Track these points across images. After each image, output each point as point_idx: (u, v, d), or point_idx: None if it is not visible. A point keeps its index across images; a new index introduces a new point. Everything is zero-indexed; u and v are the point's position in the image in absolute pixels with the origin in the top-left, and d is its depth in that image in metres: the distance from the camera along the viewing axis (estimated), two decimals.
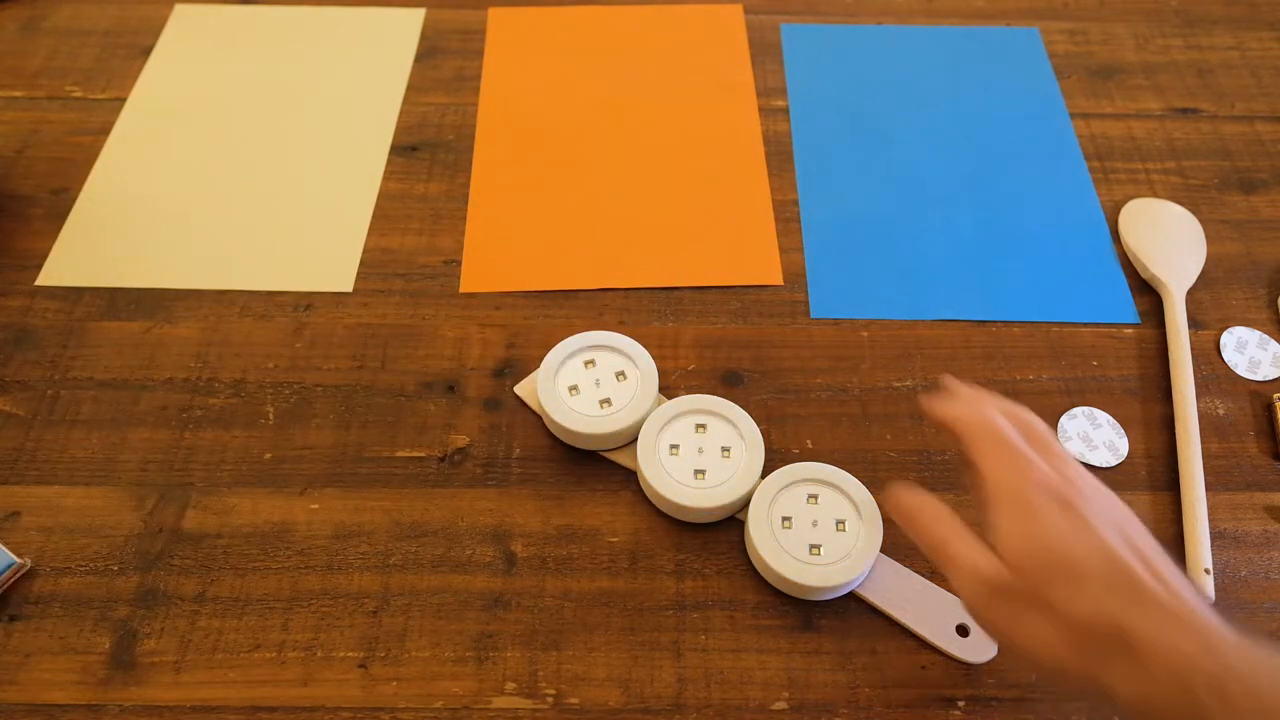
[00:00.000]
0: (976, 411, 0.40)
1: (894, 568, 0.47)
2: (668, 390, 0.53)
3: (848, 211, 0.62)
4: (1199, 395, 0.53)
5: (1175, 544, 0.49)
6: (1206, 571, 0.47)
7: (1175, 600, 0.32)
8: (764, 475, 0.48)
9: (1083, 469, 0.38)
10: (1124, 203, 0.63)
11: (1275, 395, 0.53)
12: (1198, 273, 0.59)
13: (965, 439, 0.39)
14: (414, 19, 0.74)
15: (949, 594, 0.46)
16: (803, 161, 0.65)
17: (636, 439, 0.50)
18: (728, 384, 0.54)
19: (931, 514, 0.39)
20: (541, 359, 0.52)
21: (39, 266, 0.59)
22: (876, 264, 0.60)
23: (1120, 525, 0.36)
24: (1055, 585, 0.34)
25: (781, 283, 0.59)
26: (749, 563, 0.47)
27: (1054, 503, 0.35)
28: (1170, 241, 0.60)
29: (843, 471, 0.48)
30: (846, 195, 0.63)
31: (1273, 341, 0.56)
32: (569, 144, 0.66)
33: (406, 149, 0.65)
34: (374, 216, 0.61)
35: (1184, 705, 0.30)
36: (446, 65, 0.71)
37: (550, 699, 0.44)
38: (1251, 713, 0.29)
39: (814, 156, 0.65)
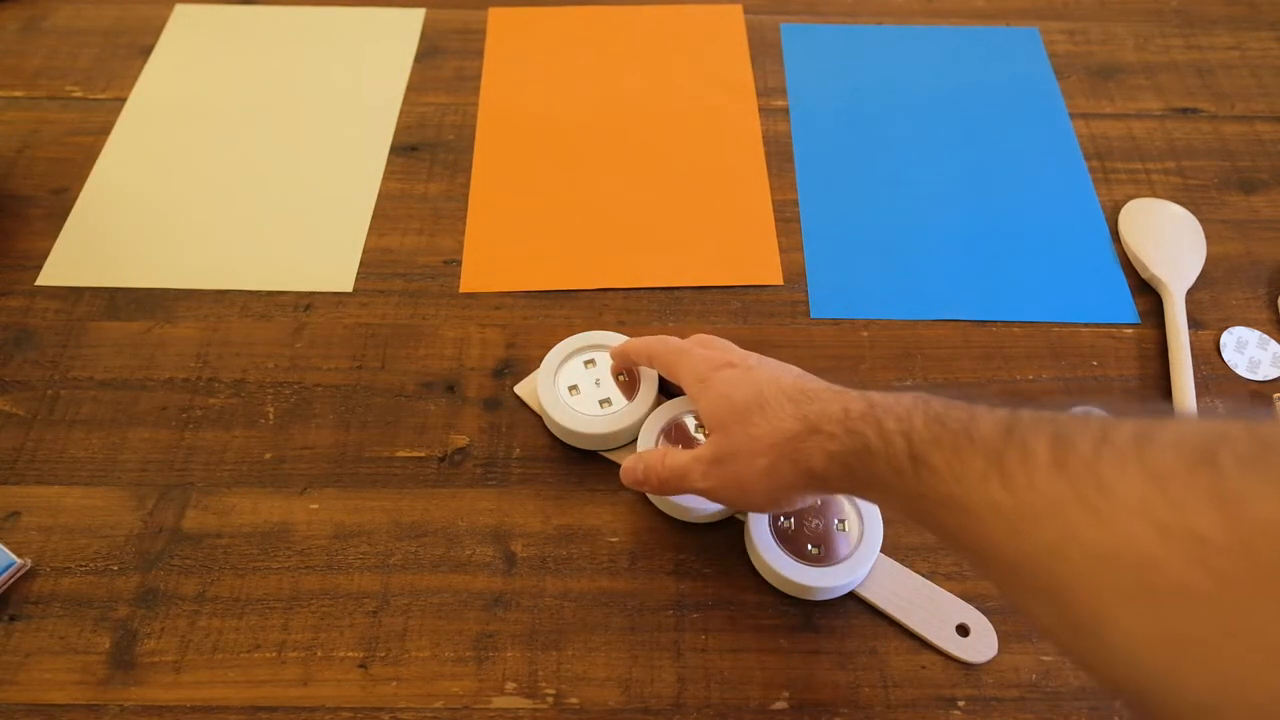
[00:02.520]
0: (636, 342, 0.50)
1: (894, 568, 0.47)
2: (668, 390, 0.53)
3: (848, 212, 0.62)
4: (1199, 395, 0.53)
5: None
6: None
7: (833, 388, 0.41)
8: None
9: (743, 350, 0.47)
10: (1124, 203, 0.63)
11: (1275, 395, 0.53)
12: (1198, 273, 0.59)
13: (652, 364, 0.49)
14: (414, 19, 0.74)
15: (949, 594, 0.46)
16: (803, 161, 0.65)
17: (636, 439, 0.49)
18: None
19: (646, 461, 0.45)
20: (541, 359, 0.52)
21: (39, 266, 0.59)
22: (876, 264, 0.60)
23: (780, 369, 0.44)
24: (748, 422, 0.41)
25: (781, 283, 0.59)
26: (749, 563, 0.47)
27: (724, 369, 0.44)
28: (1170, 241, 0.60)
29: None
30: (846, 195, 0.63)
31: (1273, 341, 0.56)
32: (569, 144, 0.66)
33: (406, 149, 0.65)
34: (374, 216, 0.61)
35: (860, 448, 0.36)
36: (446, 65, 0.71)
37: (550, 699, 0.44)
38: (898, 434, 0.35)
39: (814, 156, 0.65)
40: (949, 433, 0.33)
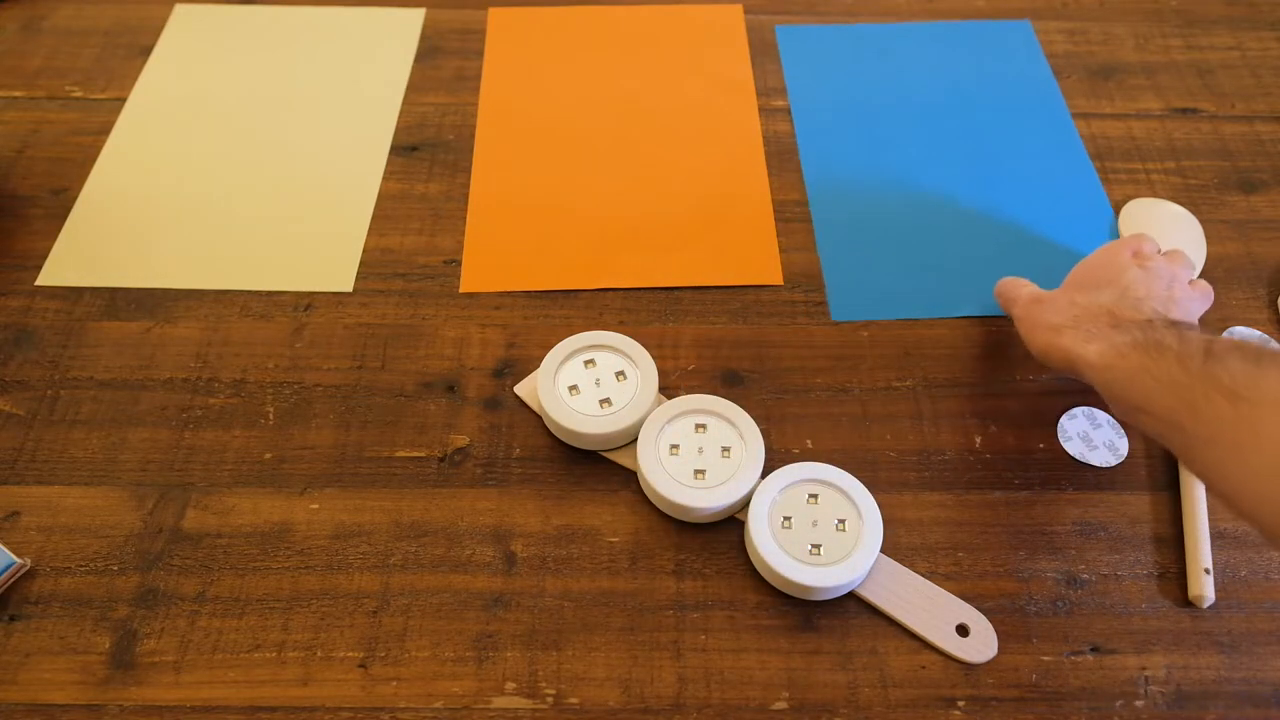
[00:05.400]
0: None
1: (894, 568, 0.47)
2: (668, 390, 0.53)
3: (859, 216, 0.62)
4: None
5: (1175, 544, 0.49)
6: (1206, 571, 0.47)
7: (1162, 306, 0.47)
8: (764, 475, 0.48)
9: (1178, 261, 0.52)
10: (1124, 203, 0.63)
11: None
12: (1197, 272, 0.59)
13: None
14: (414, 19, 0.74)
15: (949, 594, 0.46)
16: (809, 166, 0.65)
17: (636, 439, 0.50)
18: (728, 384, 0.54)
19: (1004, 283, 0.54)
20: (541, 359, 0.52)
21: (39, 266, 0.59)
22: (891, 266, 0.59)
23: (1171, 279, 0.49)
24: (1082, 289, 0.49)
25: (781, 283, 0.59)
26: (749, 563, 0.47)
27: (1127, 249, 0.51)
28: (1170, 241, 0.60)
29: (843, 471, 0.48)
30: (856, 200, 0.63)
31: (1273, 341, 0.56)
32: (569, 144, 0.66)
33: (406, 149, 0.65)
34: (374, 216, 0.61)
35: (1153, 342, 0.42)
36: (446, 65, 0.71)
37: (550, 699, 0.44)
38: (1197, 339, 0.41)
39: (820, 161, 0.65)
40: (1250, 348, 0.39)
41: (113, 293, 0.57)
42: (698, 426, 0.50)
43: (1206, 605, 0.46)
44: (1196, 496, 0.49)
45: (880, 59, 0.71)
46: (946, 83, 0.70)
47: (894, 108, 0.68)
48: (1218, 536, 0.49)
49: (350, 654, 0.45)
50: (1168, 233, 0.60)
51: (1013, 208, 0.62)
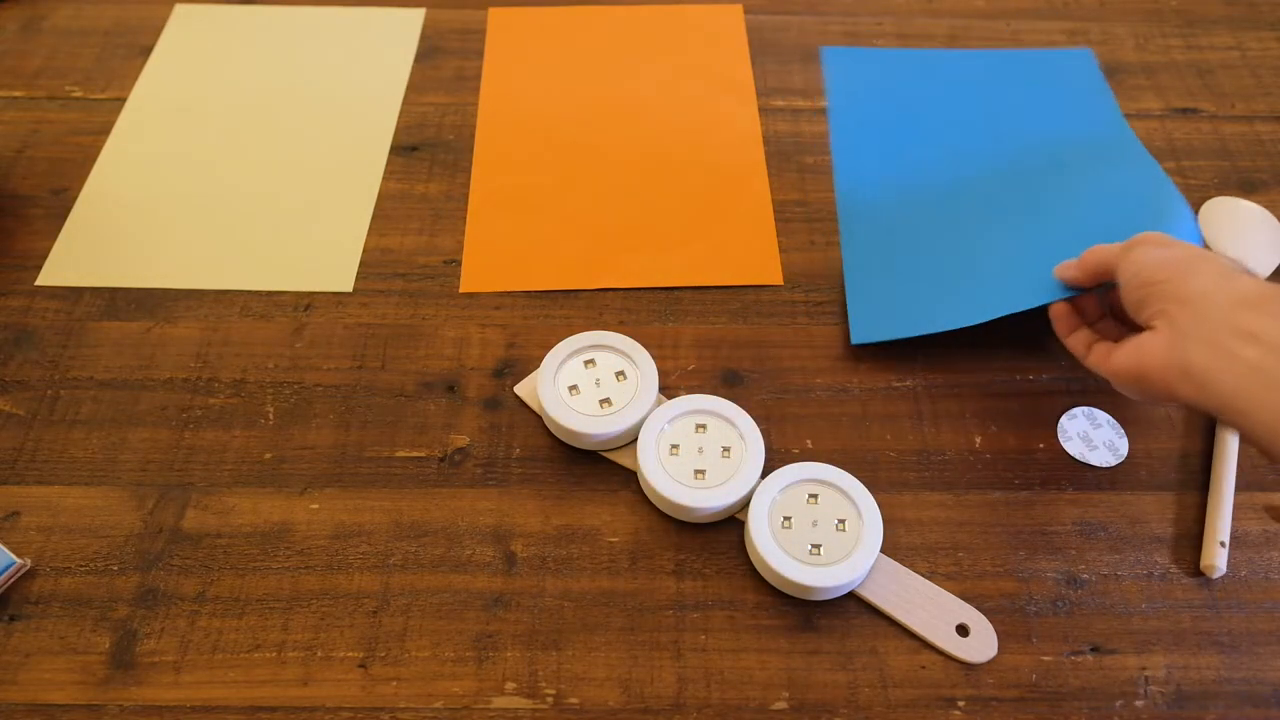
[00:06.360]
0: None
1: (894, 568, 0.47)
2: (668, 390, 0.53)
3: (889, 244, 0.59)
4: None
5: (1175, 544, 0.49)
6: (1222, 544, 0.47)
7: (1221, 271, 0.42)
8: (764, 475, 0.48)
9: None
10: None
11: None
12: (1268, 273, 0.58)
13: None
14: (414, 19, 0.74)
15: (949, 594, 0.46)
16: (844, 188, 0.63)
17: (636, 439, 0.50)
18: (728, 384, 0.54)
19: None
20: (541, 359, 0.52)
21: (39, 266, 0.59)
22: (921, 299, 0.56)
23: (1210, 257, 0.44)
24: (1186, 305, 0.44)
25: (781, 282, 0.59)
26: (749, 563, 0.47)
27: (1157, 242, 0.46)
28: (1249, 241, 0.59)
29: (843, 471, 0.48)
30: (889, 229, 0.60)
31: None
32: (569, 144, 0.66)
33: (406, 149, 0.65)
34: (374, 216, 0.61)
35: (1215, 318, 0.39)
36: (446, 65, 0.71)
37: (550, 699, 0.44)
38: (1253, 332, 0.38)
39: (855, 185, 0.63)
40: None
41: (113, 293, 0.57)
42: (698, 426, 0.50)
43: (1216, 575, 0.47)
44: (1226, 470, 0.49)
45: (928, 86, 0.69)
46: (1000, 114, 0.66)
47: (939, 137, 0.65)
48: None
49: (350, 654, 0.45)
50: (1247, 232, 0.60)
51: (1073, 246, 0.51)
